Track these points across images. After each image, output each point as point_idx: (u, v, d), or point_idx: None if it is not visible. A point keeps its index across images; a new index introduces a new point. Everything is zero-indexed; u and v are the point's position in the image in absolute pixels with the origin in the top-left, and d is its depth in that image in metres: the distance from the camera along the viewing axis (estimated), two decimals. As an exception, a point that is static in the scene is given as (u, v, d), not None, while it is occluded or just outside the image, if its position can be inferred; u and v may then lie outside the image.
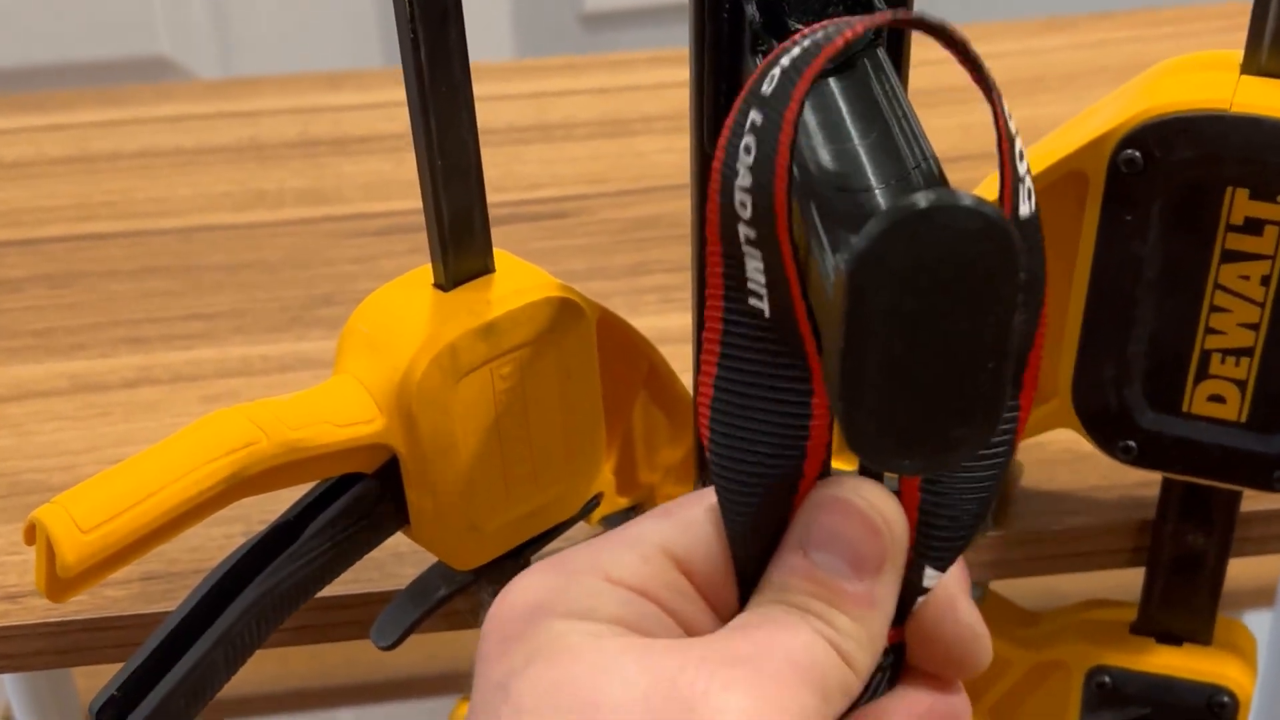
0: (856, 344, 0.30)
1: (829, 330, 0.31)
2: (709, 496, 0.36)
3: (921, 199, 0.29)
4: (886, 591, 0.35)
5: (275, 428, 0.43)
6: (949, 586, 0.37)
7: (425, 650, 1.02)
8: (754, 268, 0.34)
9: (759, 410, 0.35)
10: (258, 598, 0.45)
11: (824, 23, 0.33)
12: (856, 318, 0.30)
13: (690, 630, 0.35)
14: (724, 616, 0.36)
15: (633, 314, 0.55)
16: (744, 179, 0.34)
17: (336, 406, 0.44)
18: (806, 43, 0.33)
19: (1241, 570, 1.02)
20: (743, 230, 0.34)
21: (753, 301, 0.35)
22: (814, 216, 0.34)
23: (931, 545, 0.36)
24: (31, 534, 0.41)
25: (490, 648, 0.34)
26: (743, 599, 0.36)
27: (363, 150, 0.78)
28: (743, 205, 0.34)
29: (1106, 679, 0.54)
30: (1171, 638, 0.54)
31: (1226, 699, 0.53)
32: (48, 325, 0.66)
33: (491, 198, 0.74)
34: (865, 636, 0.34)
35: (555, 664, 0.33)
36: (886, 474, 0.37)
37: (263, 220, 0.72)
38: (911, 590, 0.37)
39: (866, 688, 0.36)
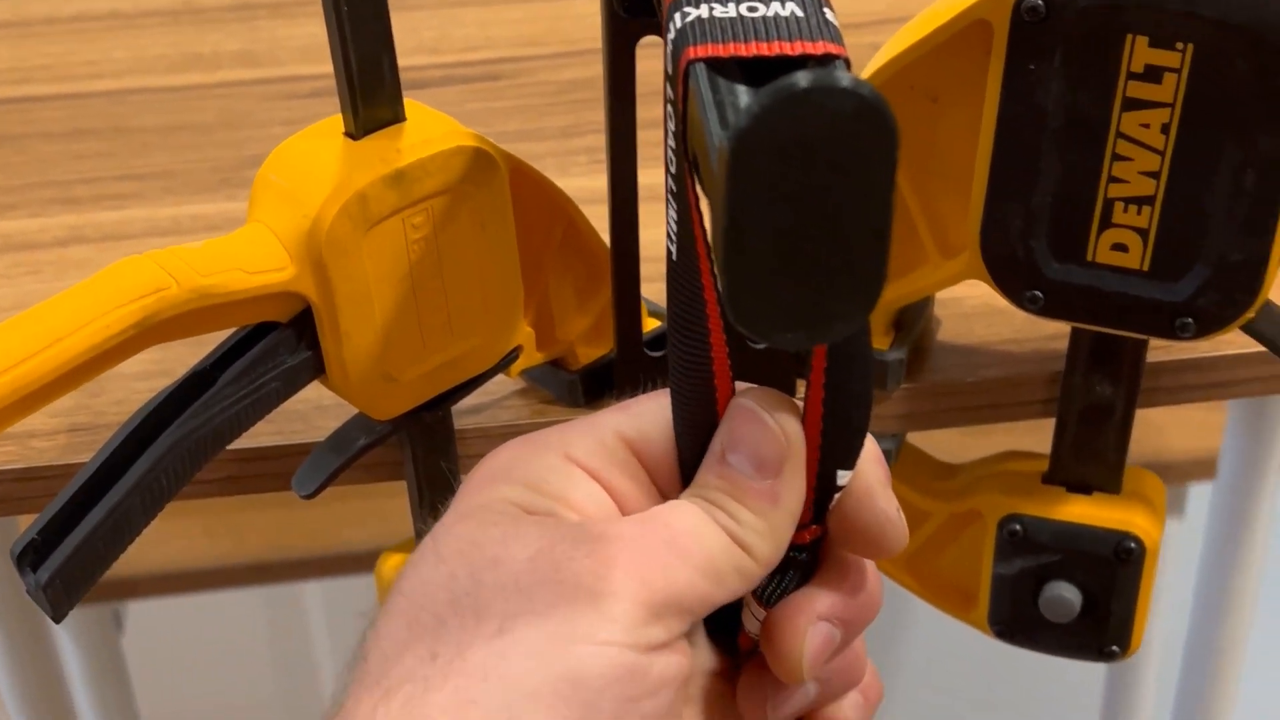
0: (739, 220, 0.31)
1: (715, 208, 0.32)
2: (663, 395, 0.41)
3: (802, 79, 0.29)
4: (788, 490, 0.39)
5: (185, 274, 0.43)
6: (868, 479, 0.41)
7: (388, 525, 1.03)
8: (672, 216, 0.38)
9: (676, 336, 0.39)
10: (173, 444, 0.46)
11: None
12: (738, 194, 0.31)
13: (631, 512, 0.40)
14: (670, 499, 0.40)
15: (563, 175, 0.56)
16: (671, 140, 0.37)
17: (247, 254, 0.45)
18: (680, 22, 0.35)
19: (1185, 443, 1.04)
20: (669, 181, 0.38)
21: (667, 244, 0.39)
22: (704, 90, 0.34)
23: (835, 449, 0.40)
24: (-60, 378, 0.42)
25: (453, 501, 0.40)
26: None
27: (300, 13, 0.77)
28: (670, 161, 0.37)
29: (1018, 527, 0.55)
30: (1082, 487, 0.56)
31: (1133, 545, 0.54)
32: (-21, 186, 0.66)
33: (425, 60, 0.74)
34: (766, 528, 0.39)
35: (477, 524, 0.38)
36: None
37: (197, 83, 0.72)
38: (827, 489, 0.41)
39: (781, 580, 0.41)
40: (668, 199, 0.39)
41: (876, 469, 0.41)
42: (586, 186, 0.58)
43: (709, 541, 0.38)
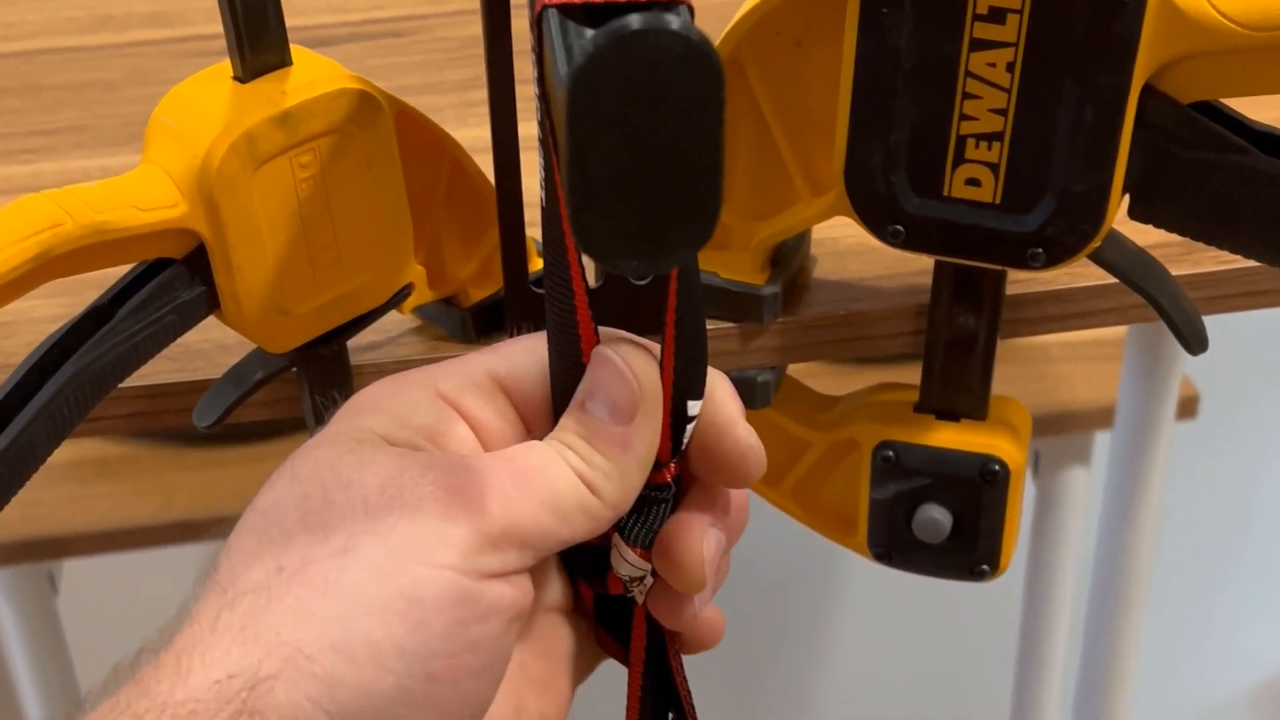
0: (580, 154, 0.34)
1: (561, 144, 0.35)
2: (535, 338, 0.43)
3: (634, 20, 0.32)
4: (641, 437, 0.41)
5: (80, 211, 0.46)
6: (726, 412, 0.43)
7: None
8: (541, 164, 0.41)
9: (548, 282, 0.42)
10: (74, 374, 0.48)
11: None
12: (577, 128, 0.33)
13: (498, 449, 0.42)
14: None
15: (461, 125, 0.58)
16: (537, 88, 0.39)
17: (141, 192, 0.47)
18: None
19: (1089, 394, 1.07)
20: (538, 130, 0.40)
21: (539, 191, 0.41)
22: (555, 34, 0.37)
23: (685, 381, 0.43)
24: None
25: (321, 429, 0.42)
26: None
27: (210, -24, 0.80)
28: (538, 109, 0.39)
29: (891, 453, 0.58)
30: (950, 415, 0.59)
31: (997, 467, 0.57)
32: (-106, 143, 0.68)
33: (332, 18, 0.76)
34: (616, 472, 0.41)
35: (335, 450, 0.40)
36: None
37: (107, 43, 0.74)
38: (681, 422, 0.43)
39: (646, 519, 0.44)
40: (539, 147, 0.41)
41: (731, 402, 0.44)
42: (484, 136, 0.61)
43: (556, 480, 0.40)
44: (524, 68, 0.50)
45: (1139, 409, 0.96)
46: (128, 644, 1.21)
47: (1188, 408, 1.05)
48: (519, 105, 0.52)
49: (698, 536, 0.43)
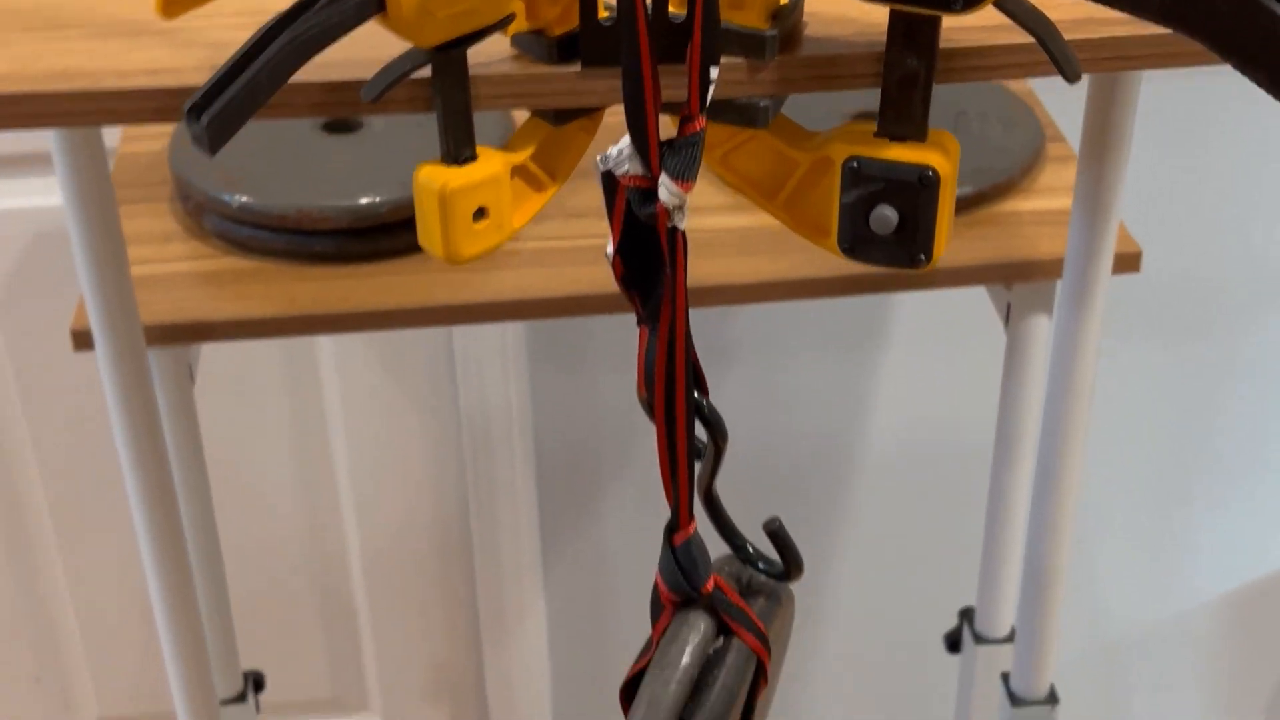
0: None
1: None
2: None
3: None
4: None
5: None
6: None
7: (404, 294, 1.25)
8: None
9: (620, 11, 0.66)
10: (290, 39, 0.71)
11: None
12: None
13: None
14: None
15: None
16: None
17: (342, -86, 0.70)
18: None
19: (1049, 248, 1.27)
20: None
21: None
22: None
23: (709, 49, 0.66)
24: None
25: None
26: None
27: None
28: None
29: (856, 164, 0.80)
30: (900, 137, 0.80)
31: (931, 174, 0.78)
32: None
33: None
34: None
35: None
36: None
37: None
38: (705, 81, 0.67)
39: (685, 157, 0.67)
40: None
41: None
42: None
43: None
44: None
45: (1082, 257, 1.16)
46: (247, 425, 1.47)
47: (1130, 262, 1.24)
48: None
49: None
